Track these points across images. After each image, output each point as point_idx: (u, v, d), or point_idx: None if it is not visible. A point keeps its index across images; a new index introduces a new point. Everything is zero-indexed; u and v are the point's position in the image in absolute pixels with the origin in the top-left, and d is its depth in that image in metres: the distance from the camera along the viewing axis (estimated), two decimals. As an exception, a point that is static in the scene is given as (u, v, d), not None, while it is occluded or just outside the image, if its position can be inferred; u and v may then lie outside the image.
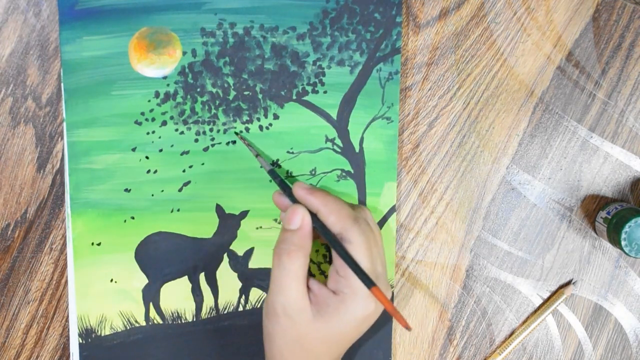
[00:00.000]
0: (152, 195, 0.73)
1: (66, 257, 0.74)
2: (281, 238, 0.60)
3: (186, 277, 0.74)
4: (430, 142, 0.76)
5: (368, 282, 0.56)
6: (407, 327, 0.54)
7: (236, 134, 0.72)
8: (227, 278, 0.75)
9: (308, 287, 0.60)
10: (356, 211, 0.61)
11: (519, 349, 0.80)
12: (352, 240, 0.57)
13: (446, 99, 0.76)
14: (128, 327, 0.74)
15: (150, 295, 0.74)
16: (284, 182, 0.63)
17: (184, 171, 0.73)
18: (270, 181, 0.74)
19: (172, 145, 0.73)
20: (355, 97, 0.74)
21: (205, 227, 0.74)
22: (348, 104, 0.74)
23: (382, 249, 0.63)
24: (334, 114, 0.74)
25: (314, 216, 0.60)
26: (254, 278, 0.75)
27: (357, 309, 0.58)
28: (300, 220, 0.58)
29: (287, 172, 0.74)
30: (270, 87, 0.73)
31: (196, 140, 0.73)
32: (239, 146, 0.73)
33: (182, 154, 0.73)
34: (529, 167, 0.77)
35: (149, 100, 0.72)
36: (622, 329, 0.80)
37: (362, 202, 0.75)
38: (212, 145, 0.73)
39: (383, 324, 0.76)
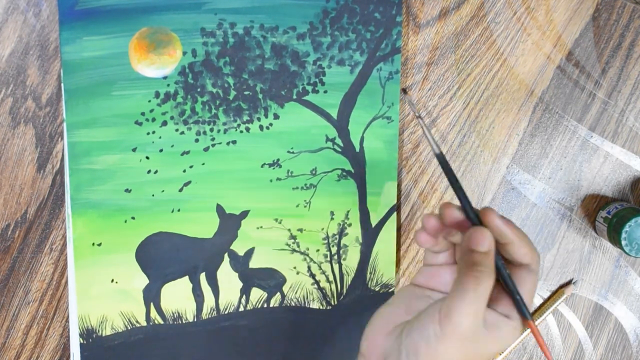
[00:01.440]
0: (153, 195, 0.73)
1: (66, 258, 0.73)
2: (473, 260, 0.56)
3: (187, 277, 0.74)
4: (430, 142, 0.76)
5: (529, 315, 0.56)
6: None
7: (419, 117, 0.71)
8: (228, 278, 0.75)
9: None
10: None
11: (519, 348, 0.80)
12: (535, 270, 0.58)
13: (446, 98, 0.76)
14: (129, 328, 0.74)
15: (151, 295, 0.74)
16: (467, 200, 0.61)
17: (184, 171, 0.73)
18: (271, 181, 0.74)
19: (172, 146, 0.73)
20: (356, 96, 0.74)
21: (205, 227, 0.74)
22: (348, 103, 0.74)
23: None
24: (334, 114, 0.74)
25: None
26: (255, 278, 0.75)
27: (518, 334, 0.59)
28: (489, 244, 0.56)
29: (288, 171, 0.74)
30: (270, 86, 0.73)
31: (197, 140, 0.73)
32: (239, 146, 0.73)
33: (182, 154, 0.73)
34: (529, 166, 0.77)
35: (150, 101, 0.72)
36: (622, 328, 0.80)
37: (362, 201, 0.75)
38: (213, 145, 0.73)
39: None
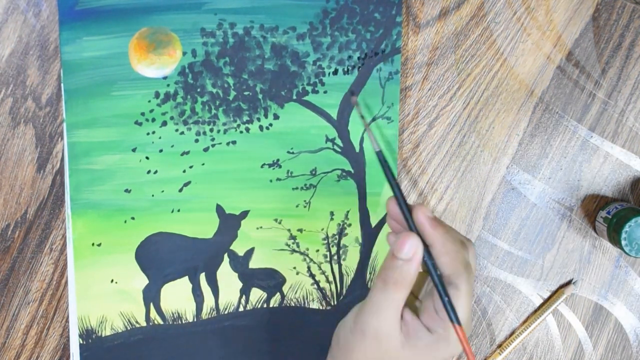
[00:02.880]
0: (153, 195, 0.73)
1: (66, 258, 0.73)
2: (389, 264, 0.56)
3: (187, 277, 0.74)
4: (430, 142, 0.76)
5: (457, 320, 0.55)
6: None
7: (352, 93, 0.71)
8: (228, 278, 0.75)
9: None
10: (467, 250, 0.58)
11: (519, 348, 0.80)
12: (459, 287, 0.55)
13: (446, 98, 0.76)
14: (129, 328, 0.74)
15: (151, 295, 0.74)
16: (402, 195, 0.59)
17: (184, 171, 0.73)
18: (271, 181, 0.74)
19: (172, 146, 0.73)
20: (356, 97, 0.74)
21: (205, 228, 0.74)
22: (348, 104, 0.74)
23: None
24: (334, 114, 0.74)
25: (425, 247, 0.57)
26: (255, 278, 0.75)
27: (447, 351, 0.57)
28: (413, 252, 0.54)
29: (288, 172, 0.74)
30: (270, 87, 0.73)
31: (196, 141, 0.73)
32: (239, 146, 0.73)
33: (182, 155, 0.73)
34: (529, 166, 0.77)
35: (149, 101, 0.72)
36: (622, 328, 0.80)
37: (362, 202, 0.75)
38: (213, 145, 0.73)
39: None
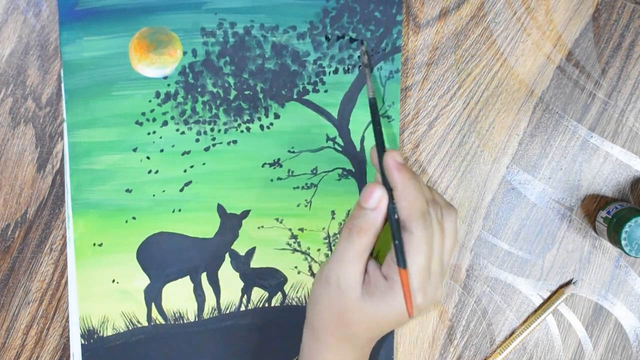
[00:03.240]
0: (154, 195, 0.73)
1: (66, 258, 0.73)
2: (356, 214, 0.58)
3: (188, 277, 0.74)
4: (430, 142, 0.76)
5: (402, 263, 0.56)
6: (410, 313, 0.56)
7: (361, 42, 0.72)
8: (229, 278, 0.75)
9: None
10: (436, 209, 0.59)
11: (519, 348, 0.80)
12: (412, 231, 0.56)
13: (446, 98, 0.76)
14: (130, 328, 0.74)
15: (152, 295, 0.74)
16: (382, 142, 0.60)
17: (185, 171, 0.73)
18: (272, 180, 0.74)
19: (173, 146, 0.73)
20: (356, 96, 0.74)
21: (206, 227, 0.74)
22: (349, 103, 0.74)
23: (449, 254, 0.61)
24: (334, 113, 0.74)
25: (390, 192, 0.58)
26: (256, 278, 0.75)
27: (401, 299, 0.58)
28: (377, 202, 0.57)
29: (289, 171, 0.74)
30: (270, 86, 0.73)
31: (197, 140, 0.73)
32: (239, 146, 0.73)
33: (183, 154, 0.73)
34: (529, 166, 0.77)
35: (150, 101, 0.72)
36: (622, 328, 0.80)
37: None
38: (213, 145, 0.73)
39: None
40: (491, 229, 0.78)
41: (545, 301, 0.79)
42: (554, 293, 0.79)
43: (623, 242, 0.73)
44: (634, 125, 0.77)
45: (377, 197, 0.56)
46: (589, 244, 0.79)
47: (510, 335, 0.79)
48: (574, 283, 0.79)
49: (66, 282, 0.74)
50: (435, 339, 0.79)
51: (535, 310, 0.79)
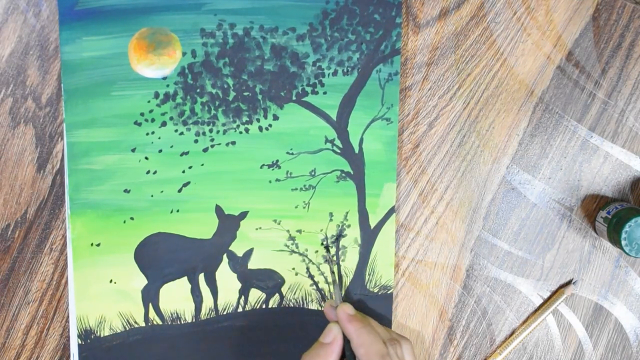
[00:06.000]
0: (152, 196, 0.73)
1: (66, 258, 0.74)
2: (316, 348, 0.67)
3: (185, 277, 0.74)
4: (430, 142, 0.76)
5: None
6: None
7: (326, 248, 0.76)
8: (227, 279, 0.75)
9: None
10: (392, 346, 0.65)
11: (519, 348, 0.80)
12: None
13: (446, 98, 0.76)
14: (127, 328, 0.74)
15: (150, 296, 0.74)
16: (340, 296, 0.72)
17: (183, 172, 0.73)
18: (270, 182, 0.74)
19: (171, 146, 0.73)
20: (355, 98, 0.74)
21: (204, 228, 0.74)
22: (348, 104, 0.74)
23: None
24: (333, 115, 0.74)
25: (346, 341, 0.67)
26: (254, 279, 0.75)
27: None
28: (332, 337, 0.66)
29: (287, 172, 0.74)
30: (269, 87, 0.73)
31: (196, 141, 0.73)
32: (238, 147, 0.73)
33: (181, 155, 0.73)
34: (529, 166, 0.77)
35: (149, 101, 0.72)
36: (622, 328, 0.80)
37: (361, 203, 0.75)
38: (212, 146, 0.73)
39: (386, 323, 0.76)
40: (491, 229, 0.78)
41: (545, 301, 0.79)
42: (554, 293, 0.79)
43: (623, 242, 0.73)
44: (634, 125, 0.77)
45: (332, 334, 0.67)
46: (589, 244, 0.79)
47: (510, 335, 0.79)
48: (574, 283, 0.79)
49: (66, 282, 0.74)
50: (435, 339, 0.79)
51: (535, 310, 0.79)
